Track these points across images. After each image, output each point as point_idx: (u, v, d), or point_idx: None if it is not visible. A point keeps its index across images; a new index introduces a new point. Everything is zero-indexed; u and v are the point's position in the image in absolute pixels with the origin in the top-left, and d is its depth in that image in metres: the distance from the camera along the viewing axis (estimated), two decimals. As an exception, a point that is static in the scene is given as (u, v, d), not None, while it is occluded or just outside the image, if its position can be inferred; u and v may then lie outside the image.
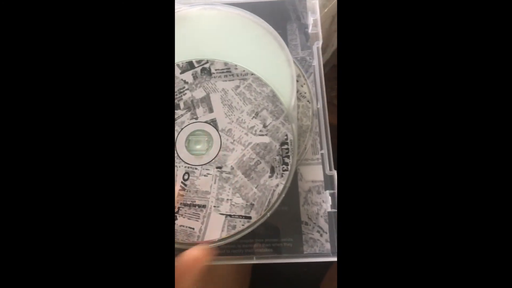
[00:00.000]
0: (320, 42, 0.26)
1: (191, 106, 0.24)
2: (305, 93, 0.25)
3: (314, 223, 0.23)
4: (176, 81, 0.24)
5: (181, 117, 0.24)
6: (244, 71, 0.24)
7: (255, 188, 0.23)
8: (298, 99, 0.25)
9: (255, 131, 0.23)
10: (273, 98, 0.24)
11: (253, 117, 0.24)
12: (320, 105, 0.25)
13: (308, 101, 0.25)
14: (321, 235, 0.23)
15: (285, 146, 0.23)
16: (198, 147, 0.23)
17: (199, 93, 0.24)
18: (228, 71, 0.24)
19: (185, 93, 0.24)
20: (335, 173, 0.24)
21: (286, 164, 0.23)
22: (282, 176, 0.23)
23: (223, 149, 0.23)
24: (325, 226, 0.23)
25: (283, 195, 0.23)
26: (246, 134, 0.23)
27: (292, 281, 0.35)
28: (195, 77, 0.24)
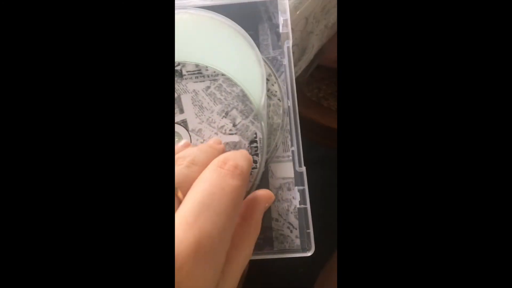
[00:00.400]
0: (290, 42, 0.27)
1: None
2: (276, 91, 0.26)
3: (284, 219, 0.24)
4: None
5: None
6: (214, 72, 0.25)
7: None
8: (269, 97, 0.26)
9: (225, 130, 0.24)
10: (243, 97, 0.24)
11: (223, 116, 0.24)
12: (290, 104, 0.25)
13: (279, 99, 0.26)
14: (291, 231, 0.23)
15: (254, 144, 0.24)
16: None
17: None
18: (199, 72, 0.25)
19: None
20: (304, 169, 0.24)
21: (255, 162, 0.23)
22: (250, 174, 0.23)
23: (192, 148, 0.24)
24: (295, 222, 0.23)
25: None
26: (216, 133, 0.24)
27: (287, 280, 0.35)
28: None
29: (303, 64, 0.30)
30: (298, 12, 0.28)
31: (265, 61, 0.26)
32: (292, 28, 0.26)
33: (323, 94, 0.38)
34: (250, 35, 0.27)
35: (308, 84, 0.37)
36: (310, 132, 0.37)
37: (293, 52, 0.28)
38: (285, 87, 0.26)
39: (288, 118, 0.25)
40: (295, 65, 0.29)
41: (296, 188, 0.24)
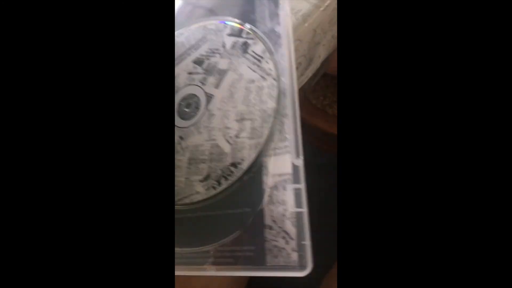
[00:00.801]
0: (288, 6, 0.22)
1: (209, 70, 0.23)
2: (271, 70, 0.21)
3: (280, 227, 0.18)
4: (218, 38, 0.23)
5: (197, 74, 0.23)
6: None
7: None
8: (263, 78, 0.21)
9: (229, 135, 0.21)
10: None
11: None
12: (288, 82, 0.20)
13: (274, 79, 0.21)
14: (287, 243, 0.18)
15: (233, 168, 0.20)
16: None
17: (223, 64, 0.23)
18: (260, 58, 0.22)
19: (215, 56, 0.23)
20: (301, 162, 0.18)
21: (224, 178, 0.20)
22: (206, 189, 0.20)
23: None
24: (292, 231, 0.18)
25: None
26: (220, 130, 0.21)
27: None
28: (233, 46, 0.23)
29: (310, 73, 0.28)
30: (306, 24, 0.25)
31: (257, 36, 0.22)
32: (300, 40, 0.23)
33: (328, 101, 0.37)
34: (247, 10, 0.23)
35: (313, 91, 0.37)
36: (314, 139, 0.37)
37: (300, 63, 0.25)
38: (282, 62, 0.21)
39: (285, 100, 0.20)
40: (301, 74, 0.27)
41: (291, 186, 0.18)
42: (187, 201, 0.21)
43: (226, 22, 0.24)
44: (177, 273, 0.20)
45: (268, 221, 0.19)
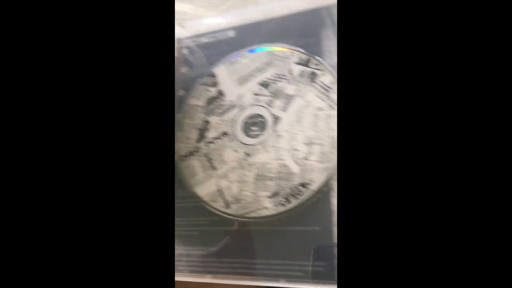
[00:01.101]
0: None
1: (276, 94, 0.25)
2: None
3: (349, 245, 0.20)
4: (284, 65, 0.25)
5: (263, 96, 0.25)
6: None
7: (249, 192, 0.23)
8: (331, 107, 0.23)
9: (297, 157, 0.23)
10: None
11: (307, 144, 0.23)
12: (356, 113, 0.22)
13: (342, 109, 0.23)
14: (357, 260, 0.20)
15: (302, 188, 0.22)
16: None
17: (290, 89, 0.24)
18: (328, 89, 0.24)
19: (282, 81, 0.25)
20: (372, 188, 0.21)
21: (293, 196, 0.22)
22: (275, 205, 0.22)
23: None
24: (362, 250, 0.20)
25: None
26: (288, 151, 0.23)
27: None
28: (301, 75, 0.24)
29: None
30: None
31: (326, 68, 0.24)
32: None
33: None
34: (312, 42, 0.25)
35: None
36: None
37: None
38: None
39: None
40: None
41: (363, 209, 0.20)
42: (254, 215, 0.23)
43: (255, 50, 0.26)
44: (242, 282, 0.21)
45: (337, 239, 0.21)
